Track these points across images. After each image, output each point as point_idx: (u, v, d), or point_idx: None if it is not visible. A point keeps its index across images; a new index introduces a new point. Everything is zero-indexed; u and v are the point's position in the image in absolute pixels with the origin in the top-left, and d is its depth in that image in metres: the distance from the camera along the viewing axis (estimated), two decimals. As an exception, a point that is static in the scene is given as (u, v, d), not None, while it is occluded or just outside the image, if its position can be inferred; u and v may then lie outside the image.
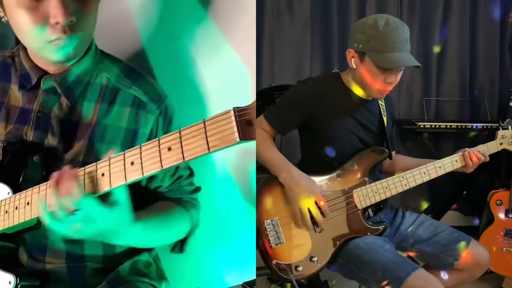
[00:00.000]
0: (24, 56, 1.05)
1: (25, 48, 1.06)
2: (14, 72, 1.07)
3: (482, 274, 1.43)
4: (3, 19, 0.99)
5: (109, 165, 0.81)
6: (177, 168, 1.14)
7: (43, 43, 0.95)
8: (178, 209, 1.14)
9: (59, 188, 0.83)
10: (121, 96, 1.08)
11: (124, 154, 0.80)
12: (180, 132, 0.72)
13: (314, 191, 1.30)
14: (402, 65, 1.32)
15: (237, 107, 0.68)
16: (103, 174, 0.82)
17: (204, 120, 0.70)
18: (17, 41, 1.09)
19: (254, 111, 0.69)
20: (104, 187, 0.82)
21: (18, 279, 0.97)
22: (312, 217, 1.34)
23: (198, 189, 1.22)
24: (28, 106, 1.04)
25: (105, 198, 0.84)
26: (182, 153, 0.72)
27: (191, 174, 1.20)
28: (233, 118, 0.67)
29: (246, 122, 0.68)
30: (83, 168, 0.85)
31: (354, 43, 1.35)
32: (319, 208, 1.30)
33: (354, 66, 1.38)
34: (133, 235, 0.96)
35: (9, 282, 0.96)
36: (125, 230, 0.92)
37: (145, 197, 1.12)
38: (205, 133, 0.70)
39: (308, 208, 1.29)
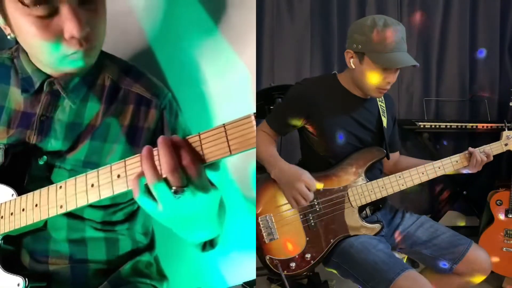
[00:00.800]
0: (25, 60, 1.03)
1: (25, 51, 1.04)
2: (14, 74, 1.05)
3: (483, 278, 1.42)
4: (9, 36, 0.95)
5: (125, 166, 0.80)
6: None
7: (59, 59, 0.93)
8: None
9: (165, 157, 0.71)
10: (124, 95, 1.08)
11: (141, 155, 0.77)
12: (199, 135, 0.74)
13: (301, 176, 1.29)
14: (402, 64, 1.33)
15: (256, 113, 0.71)
16: (118, 176, 0.81)
17: (224, 124, 0.72)
18: (16, 41, 1.08)
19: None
20: (121, 189, 0.79)
21: (26, 280, 0.96)
22: (306, 222, 1.34)
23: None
24: (31, 110, 1.03)
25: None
26: (203, 155, 0.74)
27: None
28: (253, 122, 0.70)
29: None
30: (95, 170, 0.82)
31: (353, 43, 1.36)
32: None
33: (353, 66, 1.39)
34: (215, 223, 0.91)
35: (18, 284, 0.95)
36: (212, 217, 0.86)
37: None
38: (226, 136, 0.72)
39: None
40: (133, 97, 1.08)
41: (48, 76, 1.03)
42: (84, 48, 0.92)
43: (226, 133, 0.72)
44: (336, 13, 2.77)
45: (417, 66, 1.34)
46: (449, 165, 1.44)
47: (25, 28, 0.89)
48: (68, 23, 0.88)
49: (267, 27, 2.72)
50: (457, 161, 1.45)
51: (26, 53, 1.04)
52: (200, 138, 0.74)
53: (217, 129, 0.73)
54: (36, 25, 0.88)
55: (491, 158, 1.45)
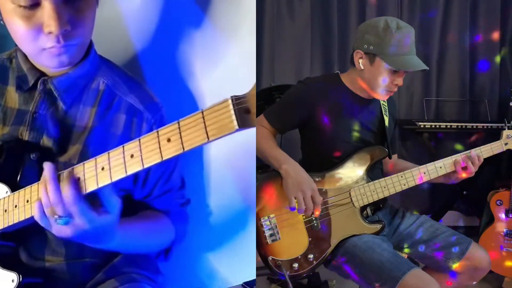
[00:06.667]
0: (22, 58, 1.04)
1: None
2: (11, 74, 1.06)
3: (482, 277, 1.43)
4: (1, 21, 0.98)
5: (109, 158, 0.81)
6: (170, 175, 1.14)
7: (38, 50, 0.95)
8: (163, 220, 1.14)
9: (49, 192, 0.83)
10: (118, 103, 1.07)
11: (123, 147, 0.80)
12: (178, 123, 0.73)
13: (312, 185, 1.30)
14: (415, 68, 1.34)
15: (235, 96, 0.69)
16: (103, 168, 0.82)
17: (202, 110, 0.71)
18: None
19: (254, 98, 0.70)
20: (105, 181, 0.82)
21: (20, 276, 0.96)
22: (308, 222, 1.35)
23: (188, 202, 1.21)
24: (25, 107, 1.04)
25: (97, 204, 0.85)
26: (182, 143, 0.73)
27: (183, 186, 1.19)
28: (231, 106, 0.68)
29: (244, 110, 0.69)
30: (81, 163, 0.84)
31: (364, 44, 1.36)
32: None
33: (362, 67, 1.38)
34: (112, 241, 0.95)
35: (12, 280, 0.96)
36: (107, 237, 0.92)
37: (135, 206, 1.12)
38: (204, 122, 0.70)
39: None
40: (126, 107, 1.07)
41: (43, 75, 1.03)
42: (61, 44, 0.93)
43: (204, 119, 0.70)
44: (337, 13, 2.77)
45: (427, 69, 1.36)
46: (451, 164, 1.44)
47: (10, 16, 0.92)
48: (48, 18, 0.89)
49: (267, 27, 2.71)
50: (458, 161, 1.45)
51: (23, 52, 1.05)
52: (179, 125, 0.73)
53: (195, 115, 0.72)
54: (18, 14, 0.90)
55: (481, 160, 1.43)
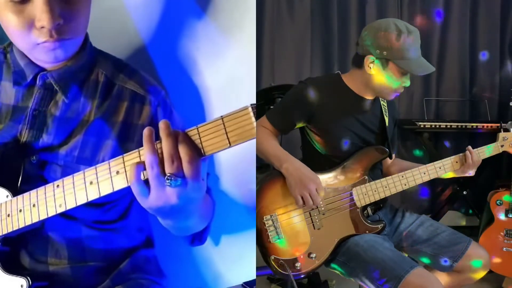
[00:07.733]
0: (18, 53, 1.03)
1: None
2: (6, 69, 1.05)
3: (482, 276, 1.43)
4: None
5: (123, 162, 0.81)
6: None
7: (32, 45, 0.94)
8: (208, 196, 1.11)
9: (165, 146, 0.73)
10: (118, 91, 1.07)
11: (139, 151, 0.79)
12: (198, 128, 0.75)
13: (315, 179, 1.32)
14: (430, 70, 1.38)
15: (253, 104, 0.72)
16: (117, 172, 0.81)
17: (222, 116, 0.73)
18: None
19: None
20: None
21: (30, 281, 0.95)
22: (311, 221, 1.35)
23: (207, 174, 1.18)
24: (23, 104, 1.03)
25: None
26: (202, 148, 0.75)
27: None
28: (251, 114, 0.71)
29: None
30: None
31: (376, 50, 1.36)
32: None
33: (373, 72, 1.39)
34: (194, 215, 0.92)
35: (21, 286, 0.95)
36: (195, 210, 0.87)
37: None
38: (225, 129, 0.73)
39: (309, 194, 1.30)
40: (127, 94, 1.07)
41: (42, 70, 1.02)
42: (54, 39, 0.92)
43: (224, 126, 0.73)
44: (337, 13, 2.77)
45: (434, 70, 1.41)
46: (449, 165, 1.45)
47: (1, 11, 0.91)
48: (39, 12, 0.89)
49: (267, 27, 2.71)
50: (457, 162, 1.45)
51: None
52: (198, 131, 0.75)
53: (215, 121, 0.73)
54: (10, 8, 0.89)
55: (480, 161, 1.46)
